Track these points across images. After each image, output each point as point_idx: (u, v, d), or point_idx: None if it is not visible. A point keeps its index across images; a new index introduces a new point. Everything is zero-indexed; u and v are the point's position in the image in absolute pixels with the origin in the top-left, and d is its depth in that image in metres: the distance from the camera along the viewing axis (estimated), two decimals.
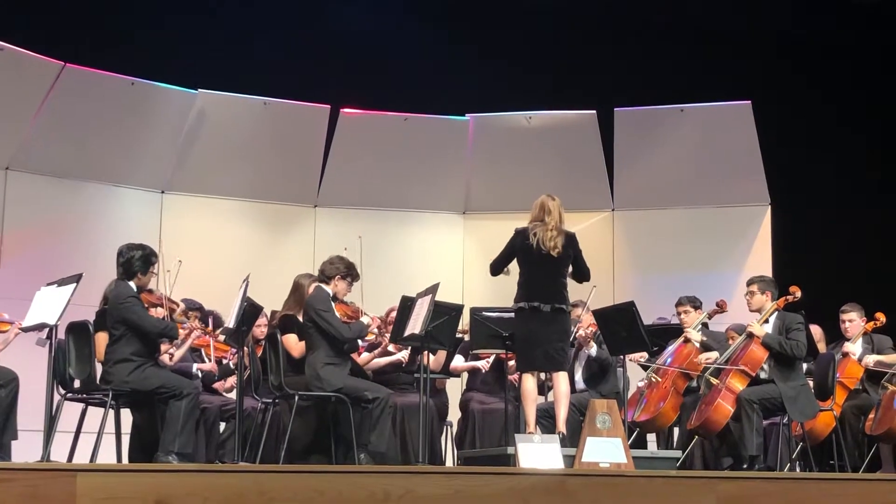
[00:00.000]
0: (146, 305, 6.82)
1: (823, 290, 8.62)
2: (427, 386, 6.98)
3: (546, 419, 7.18)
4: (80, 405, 6.94)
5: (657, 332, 8.03)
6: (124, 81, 9.88)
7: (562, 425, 6.82)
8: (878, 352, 8.02)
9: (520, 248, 6.96)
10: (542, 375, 7.16)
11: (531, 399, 6.88)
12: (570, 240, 6.97)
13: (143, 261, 6.76)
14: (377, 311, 7.80)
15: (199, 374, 7.72)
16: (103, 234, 9.65)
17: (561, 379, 6.91)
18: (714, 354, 7.65)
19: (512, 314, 7.12)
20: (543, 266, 6.90)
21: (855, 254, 10.02)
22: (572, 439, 6.82)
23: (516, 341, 7.00)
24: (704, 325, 8.14)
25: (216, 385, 7.98)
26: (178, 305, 7.10)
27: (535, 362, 6.90)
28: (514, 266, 7.08)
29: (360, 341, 7.50)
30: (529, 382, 6.89)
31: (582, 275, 7.10)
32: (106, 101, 9.83)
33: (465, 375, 8.61)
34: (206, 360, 7.88)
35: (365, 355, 7.82)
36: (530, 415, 6.85)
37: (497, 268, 7.12)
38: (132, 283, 6.73)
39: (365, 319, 7.30)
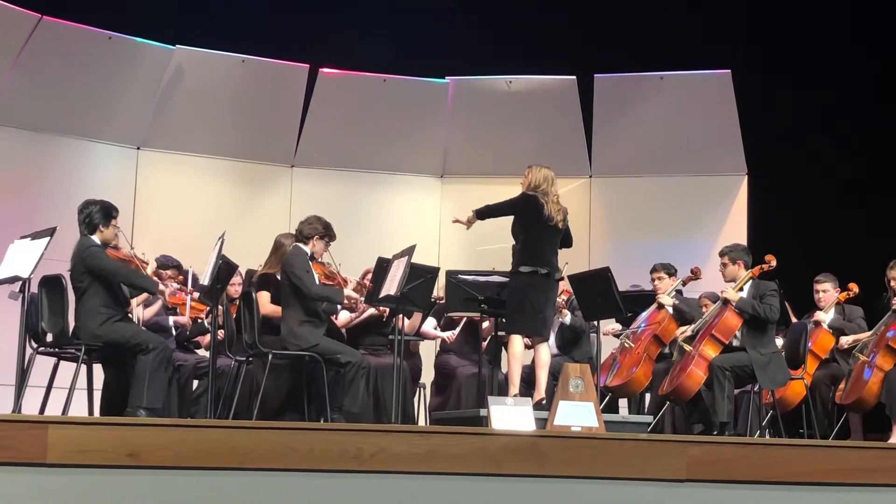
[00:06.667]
0: None
1: (798, 260, 8.67)
2: (401, 348, 6.98)
3: (521, 383, 7.20)
4: (53, 360, 6.91)
5: (631, 298, 8.04)
6: (101, 35, 9.80)
7: (543, 392, 6.88)
8: (849, 320, 8.06)
9: (529, 212, 6.95)
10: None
11: (521, 360, 6.94)
12: (565, 213, 7.07)
13: (103, 213, 6.69)
14: (352, 272, 7.77)
15: (175, 329, 7.70)
16: (78, 188, 9.52)
17: (545, 348, 7.01)
18: (690, 328, 7.67)
19: (489, 278, 7.17)
20: (550, 235, 6.97)
21: (830, 224, 10.05)
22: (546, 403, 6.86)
23: (520, 305, 6.91)
24: (678, 292, 8.17)
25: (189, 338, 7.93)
26: (147, 263, 7.03)
27: (536, 328, 6.94)
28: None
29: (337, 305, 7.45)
30: (520, 344, 6.92)
31: (567, 242, 7.17)
32: (82, 55, 9.75)
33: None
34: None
35: (343, 316, 7.79)
36: (517, 375, 6.89)
37: (487, 215, 7.10)
38: (95, 237, 6.68)
39: (346, 291, 7.23)
